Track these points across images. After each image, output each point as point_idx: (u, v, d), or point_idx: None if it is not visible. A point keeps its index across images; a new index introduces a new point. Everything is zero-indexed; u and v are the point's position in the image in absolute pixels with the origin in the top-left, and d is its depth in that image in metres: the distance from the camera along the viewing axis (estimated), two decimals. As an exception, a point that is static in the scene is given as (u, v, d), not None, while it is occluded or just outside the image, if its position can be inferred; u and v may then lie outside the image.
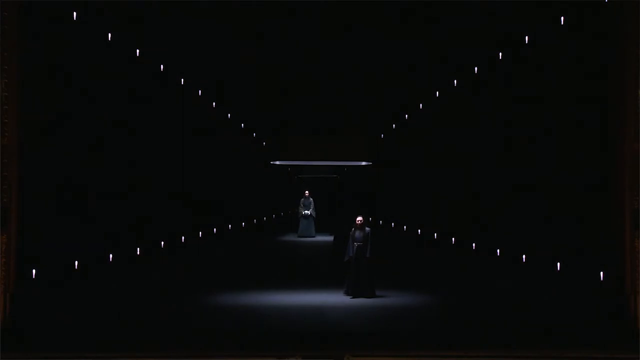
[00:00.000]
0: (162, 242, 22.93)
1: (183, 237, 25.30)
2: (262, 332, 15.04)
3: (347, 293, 19.21)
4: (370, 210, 37.35)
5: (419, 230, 30.73)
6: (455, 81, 25.33)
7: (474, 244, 23.37)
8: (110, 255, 18.78)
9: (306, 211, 38.94)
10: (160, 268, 22.27)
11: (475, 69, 23.05)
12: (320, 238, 37.73)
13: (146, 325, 15.67)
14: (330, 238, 35.80)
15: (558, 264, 17.15)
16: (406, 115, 33.13)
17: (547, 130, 18.15)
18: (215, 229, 30.32)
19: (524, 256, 19.11)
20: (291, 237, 38.64)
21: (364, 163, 40.11)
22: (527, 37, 19.05)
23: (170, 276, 22.02)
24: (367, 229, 19.48)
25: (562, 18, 17.12)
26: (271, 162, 40.43)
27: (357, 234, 19.41)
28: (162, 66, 22.80)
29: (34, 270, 15.04)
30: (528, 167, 19.19)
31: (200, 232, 27.82)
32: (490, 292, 19.60)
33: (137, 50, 20.66)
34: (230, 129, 33.98)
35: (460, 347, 13.73)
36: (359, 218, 19.50)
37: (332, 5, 20.14)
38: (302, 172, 49.26)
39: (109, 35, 18.64)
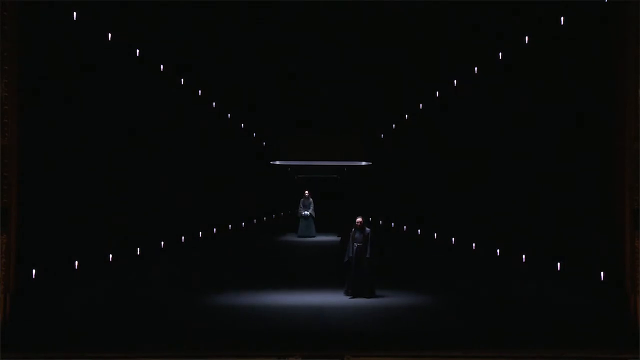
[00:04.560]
0: (162, 242, 22.93)
1: (183, 237, 25.30)
2: (262, 332, 15.04)
3: (347, 293, 19.22)
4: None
5: (419, 231, 30.74)
6: (455, 81, 25.35)
7: (473, 244, 23.37)
8: (110, 255, 18.78)
9: (306, 212, 38.96)
10: (160, 268, 22.27)
11: (475, 68, 23.06)
12: (320, 238, 37.74)
13: (146, 326, 15.67)
14: (329, 238, 35.91)
15: (558, 264, 17.15)
16: (406, 116, 33.15)
17: (547, 130, 18.15)
18: (215, 229, 30.33)
19: (523, 256, 19.11)
20: (291, 237, 38.66)
21: (363, 163, 40.14)
22: (527, 37, 19.05)
23: (170, 276, 22.02)
24: (367, 229, 19.50)
25: (562, 18, 17.12)
26: (271, 162, 40.48)
27: (357, 234, 19.43)
28: (162, 66, 22.80)
29: (33, 270, 15.04)
30: (528, 167, 19.19)
31: (200, 232, 27.83)
32: (489, 292, 19.60)
33: (137, 50, 20.67)
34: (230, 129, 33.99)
35: (460, 347, 13.73)
36: (359, 219, 19.52)
37: (333, 5, 20.15)
38: (301, 172, 49.32)
39: (109, 35, 18.64)
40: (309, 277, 22.94)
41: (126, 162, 20.05)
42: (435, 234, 27.95)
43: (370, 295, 19.01)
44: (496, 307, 17.71)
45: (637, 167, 14.23)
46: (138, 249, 20.72)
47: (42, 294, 15.29)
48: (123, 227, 19.68)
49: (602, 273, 15.27)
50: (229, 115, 33.12)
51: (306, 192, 39.98)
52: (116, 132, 19.36)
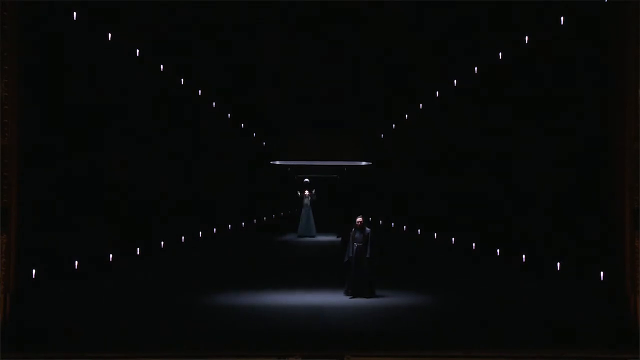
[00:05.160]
0: (162, 242, 22.94)
1: (183, 237, 25.31)
2: (262, 332, 15.03)
3: (347, 293, 19.21)
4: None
5: (419, 230, 30.74)
6: (455, 81, 25.35)
7: (473, 244, 23.37)
8: (111, 255, 18.79)
9: (307, 182, 39.36)
10: (160, 268, 22.28)
11: (475, 68, 23.07)
12: (320, 238, 37.73)
13: (146, 325, 15.67)
14: (329, 238, 35.90)
15: (558, 264, 17.15)
16: (406, 116, 33.16)
17: (547, 130, 18.15)
18: (215, 229, 30.34)
19: (523, 256, 19.11)
20: (291, 237, 38.63)
21: (363, 163, 40.14)
22: (527, 37, 19.05)
23: (170, 276, 22.02)
24: (367, 229, 19.49)
25: (562, 18, 17.12)
26: (271, 162, 40.48)
27: (357, 234, 19.43)
28: (161, 66, 22.80)
29: (33, 270, 15.04)
30: (528, 167, 19.19)
31: (200, 232, 27.83)
32: (489, 292, 19.60)
33: (137, 50, 20.68)
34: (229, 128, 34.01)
35: (460, 347, 13.72)
36: (359, 219, 19.52)
37: (333, 5, 20.16)
38: (301, 172, 49.32)
39: (109, 35, 18.65)
40: (309, 277, 22.92)
41: (126, 162, 20.05)
42: (435, 234, 27.96)
43: (370, 295, 19.01)
44: (496, 307, 17.70)
45: (637, 167, 14.22)
46: (138, 249, 20.73)
47: (42, 294, 15.29)
48: (123, 227, 19.69)
49: (602, 273, 15.27)
50: (229, 115, 33.13)
51: (306, 191, 40.08)
52: (116, 132, 19.37)
